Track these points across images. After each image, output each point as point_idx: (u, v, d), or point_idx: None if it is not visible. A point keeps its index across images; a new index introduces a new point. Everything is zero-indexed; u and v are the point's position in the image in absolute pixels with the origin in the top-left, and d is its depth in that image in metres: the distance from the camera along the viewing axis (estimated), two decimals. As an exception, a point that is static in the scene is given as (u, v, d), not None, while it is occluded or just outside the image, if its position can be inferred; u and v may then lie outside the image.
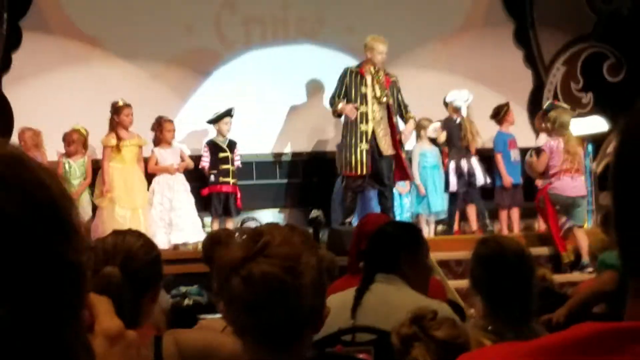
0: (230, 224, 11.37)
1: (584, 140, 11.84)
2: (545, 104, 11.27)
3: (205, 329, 3.54)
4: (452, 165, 11.38)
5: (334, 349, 3.93)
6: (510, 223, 11.77)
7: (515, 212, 11.78)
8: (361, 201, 11.41)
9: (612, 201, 1.06)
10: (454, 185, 11.33)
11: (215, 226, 11.29)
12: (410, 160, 11.87)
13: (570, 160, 10.54)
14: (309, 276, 2.24)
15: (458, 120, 11.43)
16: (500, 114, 11.86)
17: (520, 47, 13.13)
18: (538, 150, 10.98)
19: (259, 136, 12.29)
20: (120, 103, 10.86)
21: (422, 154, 11.78)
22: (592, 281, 6.64)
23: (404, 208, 11.80)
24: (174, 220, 10.97)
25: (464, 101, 11.46)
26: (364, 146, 10.78)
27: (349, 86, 10.91)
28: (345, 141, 10.92)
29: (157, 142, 11.26)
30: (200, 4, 12.19)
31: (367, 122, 10.85)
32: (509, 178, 11.63)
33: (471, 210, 11.78)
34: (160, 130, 11.21)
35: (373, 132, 10.87)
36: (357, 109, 10.79)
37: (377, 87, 10.92)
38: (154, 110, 11.52)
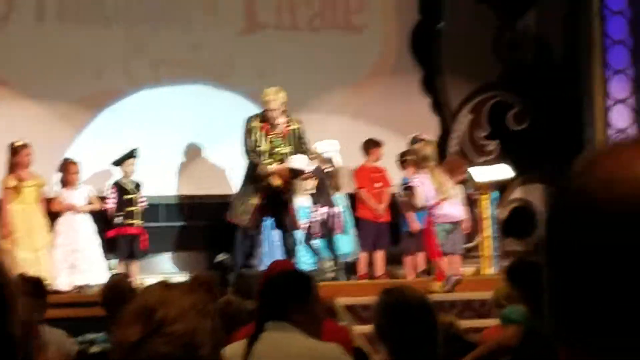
0: (136, 267, 11.26)
1: (488, 186, 12.02)
2: (410, 138, 11.40)
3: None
4: (322, 210, 11.43)
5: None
6: (416, 268, 11.86)
7: (421, 257, 11.88)
8: (268, 245, 11.46)
9: (544, 274, 1.07)
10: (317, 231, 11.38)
11: (121, 269, 11.17)
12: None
13: (441, 190, 10.73)
14: (206, 345, 2.19)
15: (329, 170, 11.47)
16: (403, 159, 12.02)
17: (427, 95, 13.29)
18: (407, 189, 11.11)
19: (166, 178, 12.21)
20: (19, 143, 10.72)
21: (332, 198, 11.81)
22: (495, 330, 6.70)
23: (313, 250, 11.77)
24: (76, 262, 10.82)
25: (335, 151, 11.55)
26: (255, 200, 11.00)
27: (254, 140, 11.04)
28: (241, 191, 11.20)
29: (64, 184, 11.14)
30: (110, 46, 12.11)
31: (263, 178, 11.00)
32: (417, 224, 11.73)
33: (378, 256, 11.84)
34: (66, 172, 11.10)
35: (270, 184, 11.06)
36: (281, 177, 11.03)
37: (274, 142, 11.05)
38: (60, 151, 11.40)
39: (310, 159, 11.25)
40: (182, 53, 12.42)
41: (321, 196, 11.44)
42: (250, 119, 11.17)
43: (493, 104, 13.49)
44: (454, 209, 10.86)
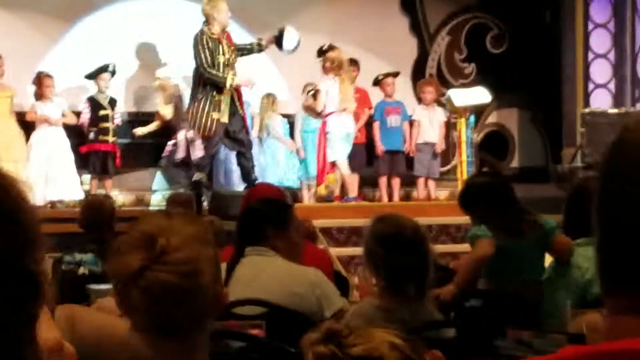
0: (109, 183, 11.21)
1: (466, 110, 11.97)
2: (325, 45, 11.17)
3: (102, 311, 3.42)
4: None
5: (226, 323, 3.87)
6: (390, 191, 11.87)
7: (395, 181, 11.88)
8: (217, 162, 11.44)
9: (596, 225, 1.10)
10: None
11: (94, 184, 11.15)
12: (292, 124, 11.86)
13: (344, 100, 10.70)
14: (208, 273, 2.19)
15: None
16: (377, 82, 11.98)
17: (406, 15, 13.15)
18: (314, 91, 11.01)
19: (141, 94, 12.07)
20: None
21: (305, 119, 11.77)
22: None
23: (294, 168, 11.75)
24: (49, 175, 10.74)
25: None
26: (216, 115, 10.84)
27: (211, 53, 10.86)
28: (199, 105, 10.90)
29: (38, 97, 11.01)
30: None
31: (221, 92, 10.84)
32: (381, 147, 11.75)
33: (353, 178, 11.80)
34: (40, 85, 10.96)
35: (232, 98, 10.91)
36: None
37: (227, 52, 10.92)
38: (34, 63, 11.24)
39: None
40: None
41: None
42: (204, 33, 10.98)
43: (472, 26, 13.38)
44: (346, 120, 10.75)
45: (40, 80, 10.98)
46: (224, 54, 10.87)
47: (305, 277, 4.16)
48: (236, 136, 11.01)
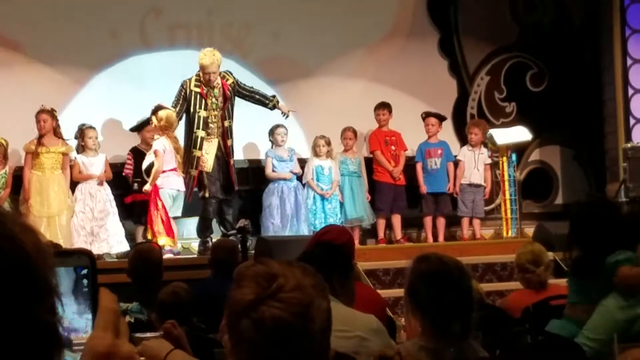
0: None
1: (507, 148, 11.98)
2: (154, 106, 10.96)
3: (148, 352, 3.47)
4: None
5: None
6: (435, 232, 11.88)
7: (440, 221, 11.88)
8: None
9: None
10: None
11: (140, 234, 11.17)
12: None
13: (178, 158, 10.69)
14: (319, 321, 2.25)
15: None
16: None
17: (445, 57, 13.19)
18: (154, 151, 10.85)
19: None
20: (40, 108, 10.77)
21: (343, 161, 11.84)
22: (521, 294, 6.69)
23: (327, 213, 11.73)
24: (95, 230, 10.82)
25: None
26: (193, 172, 10.88)
27: (189, 106, 10.92)
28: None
29: (81, 149, 11.12)
30: (125, 10, 12.03)
31: (200, 147, 10.90)
32: (423, 187, 11.80)
33: (396, 219, 11.84)
34: (82, 137, 11.08)
35: (219, 145, 10.97)
36: None
37: (211, 110, 10.94)
38: (77, 117, 11.37)
39: None
40: (197, 16, 12.34)
41: None
42: (187, 85, 10.99)
43: (511, 66, 13.40)
44: (179, 178, 10.78)
45: (83, 132, 11.09)
46: (206, 110, 10.94)
47: (369, 324, 4.27)
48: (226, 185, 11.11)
